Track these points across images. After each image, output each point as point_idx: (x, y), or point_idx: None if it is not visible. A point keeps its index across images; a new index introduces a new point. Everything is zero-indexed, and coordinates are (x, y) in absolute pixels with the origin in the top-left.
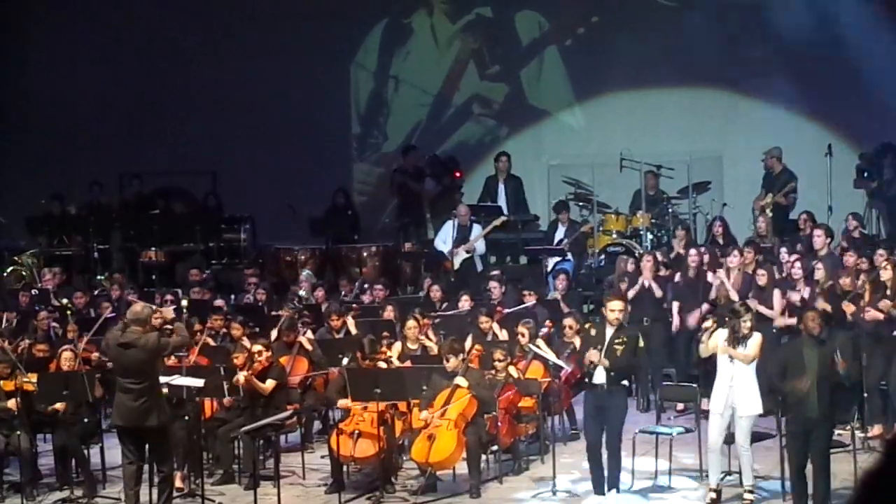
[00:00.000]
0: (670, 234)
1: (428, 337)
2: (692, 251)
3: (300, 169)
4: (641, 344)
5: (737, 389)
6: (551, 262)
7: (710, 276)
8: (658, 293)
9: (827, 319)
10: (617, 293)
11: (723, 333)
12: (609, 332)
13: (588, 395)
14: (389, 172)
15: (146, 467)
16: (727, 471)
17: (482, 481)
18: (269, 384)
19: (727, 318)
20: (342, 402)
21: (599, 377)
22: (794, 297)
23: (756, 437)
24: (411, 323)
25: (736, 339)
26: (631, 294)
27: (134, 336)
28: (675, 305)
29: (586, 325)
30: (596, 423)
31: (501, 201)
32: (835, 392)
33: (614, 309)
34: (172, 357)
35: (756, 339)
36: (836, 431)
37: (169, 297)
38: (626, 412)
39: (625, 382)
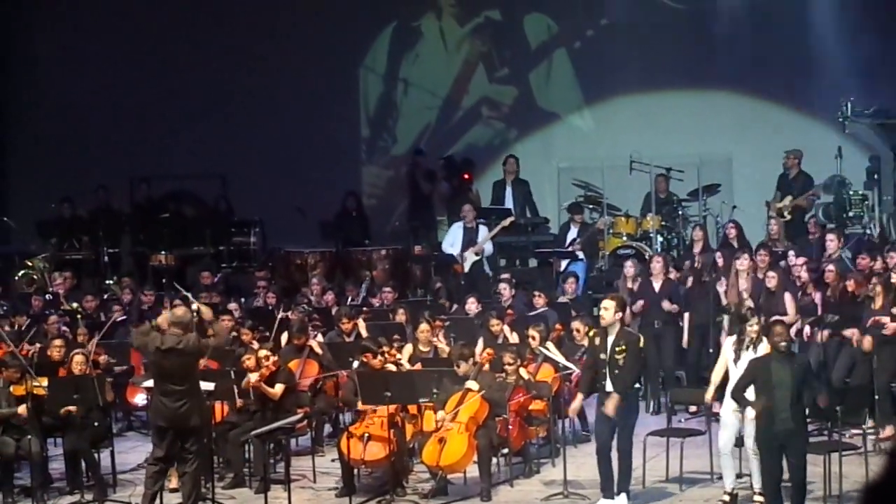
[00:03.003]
0: (680, 236)
1: (439, 339)
2: (697, 257)
3: (309, 172)
4: (642, 344)
5: (746, 394)
6: (564, 262)
7: (718, 284)
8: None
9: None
10: (614, 292)
11: (730, 340)
12: (610, 338)
13: (599, 398)
14: (401, 174)
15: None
16: (739, 473)
17: (493, 484)
18: (278, 388)
19: (734, 324)
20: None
21: (609, 386)
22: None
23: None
24: (424, 326)
25: (741, 343)
26: (637, 308)
27: (174, 339)
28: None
29: (591, 334)
30: (606, 426)
31: (509, 204)
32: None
33: (604, 307)
34: None
35: (766, 343)
36: (848, 434)
37: (178, 301)
38: (637, 415)
39: (636, 385)
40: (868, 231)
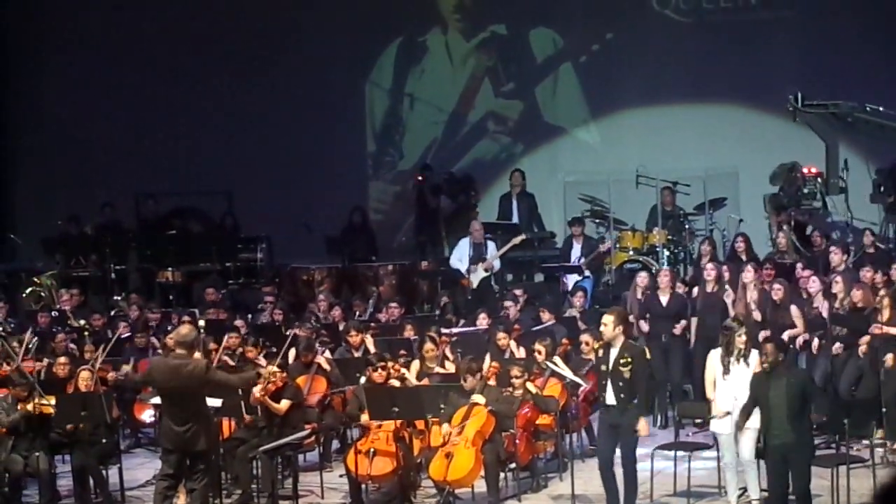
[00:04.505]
0: (687, 250)
1: (445, 356)
2: (709, 265)
3: (316, 187)
4: (648, 356)
5: (740, 405)
6: (571, 279)
7: (726, 296)
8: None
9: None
10: (615, 307)
11: (716, 353)
12: (613, 351)
13: (601, 413)
14: (407, 189)
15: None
16: (745, 487)
17: (500, 499)
18: (284, 404)
19: (721, 335)
20: (365, 419)
21: (611, 398)
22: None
23: (761, 453)
24: (429, 346)
25: (729, 355)
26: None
27: (179, 361)
28: (694, 321)
29: (596, 346)
30: (609, 441)
31: (515, 218)
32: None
33: (603, 322)
34: None
35: (755, 355)
36: (855, 447)
37: (185, 317)
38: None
39: (636, 401)
40: (826, 210)
